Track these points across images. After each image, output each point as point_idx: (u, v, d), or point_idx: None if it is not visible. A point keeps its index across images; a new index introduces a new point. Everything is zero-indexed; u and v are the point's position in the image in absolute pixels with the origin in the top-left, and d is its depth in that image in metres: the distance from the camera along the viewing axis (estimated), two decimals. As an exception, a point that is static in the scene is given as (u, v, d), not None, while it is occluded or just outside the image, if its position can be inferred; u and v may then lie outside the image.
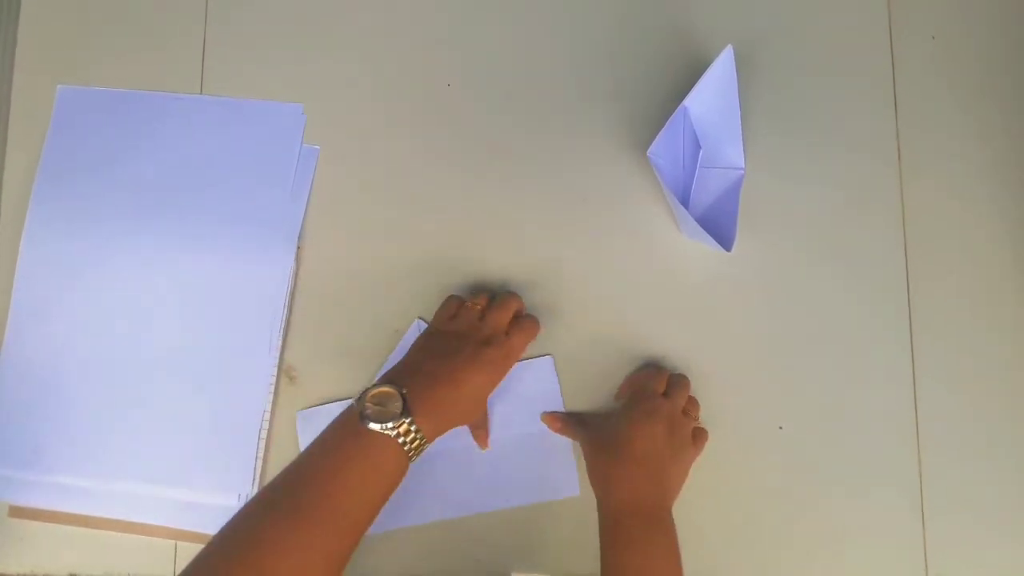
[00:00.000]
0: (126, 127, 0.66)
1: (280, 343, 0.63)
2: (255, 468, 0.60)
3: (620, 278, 0.64)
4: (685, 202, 0.63)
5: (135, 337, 0.63)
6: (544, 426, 0.61)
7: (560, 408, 0.62)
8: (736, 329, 0.63)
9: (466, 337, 0.55)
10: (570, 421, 0.60)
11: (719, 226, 0.61)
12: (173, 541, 0.60)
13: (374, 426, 0.48)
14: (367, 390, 0.50)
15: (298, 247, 0.64)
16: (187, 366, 0.62)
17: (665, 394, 0.58)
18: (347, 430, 0.50)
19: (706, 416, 0.62)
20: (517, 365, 0.59)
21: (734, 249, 0.60)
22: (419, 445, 0.50)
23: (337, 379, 0.62)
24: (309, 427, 0.61)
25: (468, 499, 0.60)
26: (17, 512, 0.61)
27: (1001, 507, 0.61)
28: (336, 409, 0.58)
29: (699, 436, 0.59)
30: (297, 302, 0.64)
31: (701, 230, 0.58)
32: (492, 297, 0.59)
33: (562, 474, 0.61)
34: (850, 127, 0.66)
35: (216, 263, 0.64)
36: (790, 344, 0.63)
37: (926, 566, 0.60)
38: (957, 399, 0.62)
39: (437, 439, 0.52)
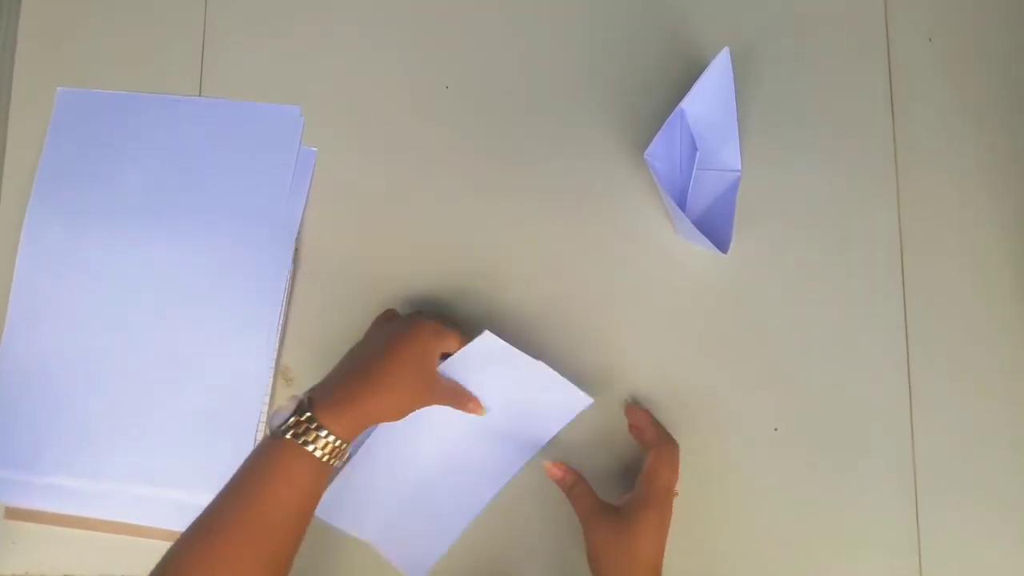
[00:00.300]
0: (125, 129, 0.66)
1: (277, 344, 0.63)
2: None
3: (616, 279, 0.64)
4: (682, 204, 0.63)
5: (132, 338, 0.63)
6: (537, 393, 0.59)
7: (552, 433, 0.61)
8: (732, 331, 0.63)
9: (378, 331, 0.57)
10: (577, 486, 0.57)
11: (715, 228, 0.62)
12: (168, 543, 0.60)
13: (278, 435, 0.49)
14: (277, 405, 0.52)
15: (296, 249, 0.64)
16: (184, 367, 0.62)
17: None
18: (258, 447, 0.51)
19: (703, 418, 0.62)
20: (512, 362, 0.57)
21: (730, 251, 0.60)
22: (331, 447, 0.50)
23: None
24: None
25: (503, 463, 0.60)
26: (13, 513, 0.61)
27: (997, 507, 0.61)
28: None
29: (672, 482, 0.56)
30: (294, 304, 0.64)
31: (698, 232, 0.59)
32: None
33: (567, 396, 0.59)
34: (847, 129, 0.66)
35: (214, 265, 0.64)
36: (786, 346, 0.63)
37: (920, 565, 0.60)
38: (953, 399, 0.62)
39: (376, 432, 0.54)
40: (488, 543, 0.60)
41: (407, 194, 0.66)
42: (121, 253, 0.64)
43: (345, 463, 0.54)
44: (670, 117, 0.60)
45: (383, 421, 0.55)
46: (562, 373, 0.57)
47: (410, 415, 0.55)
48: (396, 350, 0.54)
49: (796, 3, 0.68)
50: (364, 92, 0.67)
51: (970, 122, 0.66)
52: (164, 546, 0.59)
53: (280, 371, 0.63)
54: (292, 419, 0.50)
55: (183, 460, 0.61)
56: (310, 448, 0.49)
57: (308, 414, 0.50)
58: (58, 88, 0.67)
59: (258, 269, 0.64)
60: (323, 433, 0.50)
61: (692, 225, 0.58)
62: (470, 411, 0.59)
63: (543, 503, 0.61)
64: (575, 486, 0.57)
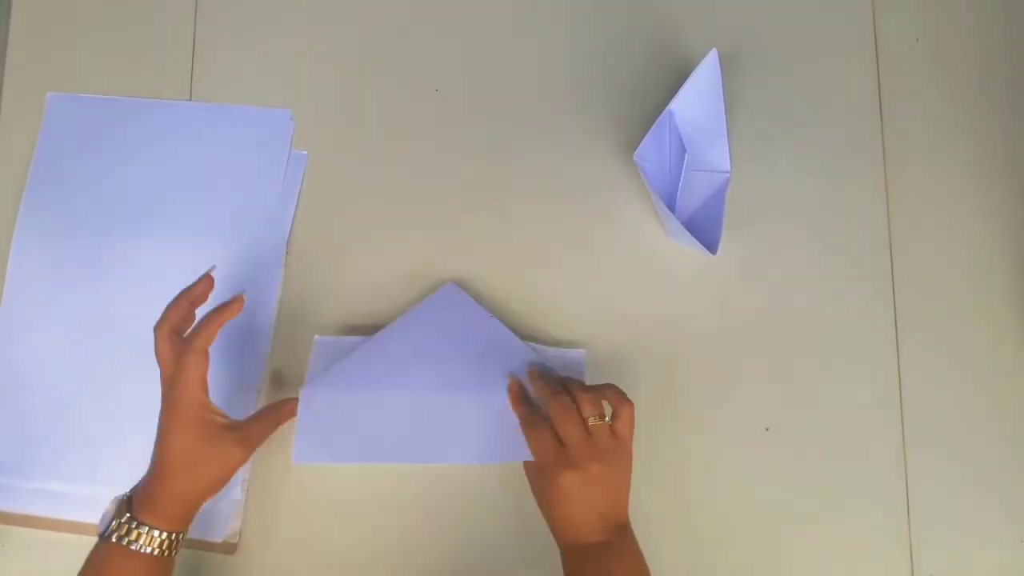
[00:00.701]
0: (115, 134, 0.66)
1: (269, 348, 0.63)
2: (243, 473, 0.60)
3: (606, 280, 0.64)
4: (671, 205, 0.63)
5: (122, 343, 0.63)
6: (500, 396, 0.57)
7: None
8: (721, 331, 0.64)
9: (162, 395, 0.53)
10: (528, 422, 0.56)
11: (705, 229, 0.62)
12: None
13: (105, 538, 0.50)
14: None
15: (287, 252, 0.65)
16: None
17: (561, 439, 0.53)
18: (92, 551, 0.51)
19: (694, 419, 0.62)
20: (495, 344, 0.58)
21: (720, 252, 0.60)
22: (163, 540, 0.50)
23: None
24: (322, 353, 0.61)
25: (427, 448, 0.57)
26: (4, 518, 0.61)
27: (987, 505, 0.61)
28: (354, 343, 0.60)
29: (621, 419, 0.54)
30: (285, 307, 0.64)
31: (687, 233, 0.59)
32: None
33: (517, 441, 0.56)
34: (836, 129, 0.67)
35: (205, 268, 0.64)
36: (775, 346, 0.63)
37: (912, 565, 0.60)
38: (943, 397, 0.63)
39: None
40: (483, 549, 0.61)
41: (398, 198, 0.66)
42: (111, 258, 0.64)
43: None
44: (659, 119, 0.60)
45: (208, 498, 0.53)
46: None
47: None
48: (168, 427, 0.52)
49: (784, 4, 0.68)
50: (355, 96, 0.67)
51: (958, 122, 0.67)
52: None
53: (272, 375, 0.63)
54: (114, 523, 0.50)
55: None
56: (136, 547, 0.49)
57: (127, 515, 0.50)
58: (48, 93, 0.67)
59: (249, 273, 0.64)
60: (144, 530, 0.50)
61: (681, 226, 0.59)
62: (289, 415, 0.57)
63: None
64: (530, 428, 0.56)
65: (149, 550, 0.50)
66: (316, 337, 0.62)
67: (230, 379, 0.62)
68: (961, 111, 0.67)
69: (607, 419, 0.54)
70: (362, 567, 0.60)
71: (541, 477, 0.54)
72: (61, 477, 0.61)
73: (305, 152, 0.66)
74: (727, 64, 0.62)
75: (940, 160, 0.66)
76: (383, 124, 0.67)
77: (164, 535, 0.50)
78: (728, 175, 0.63)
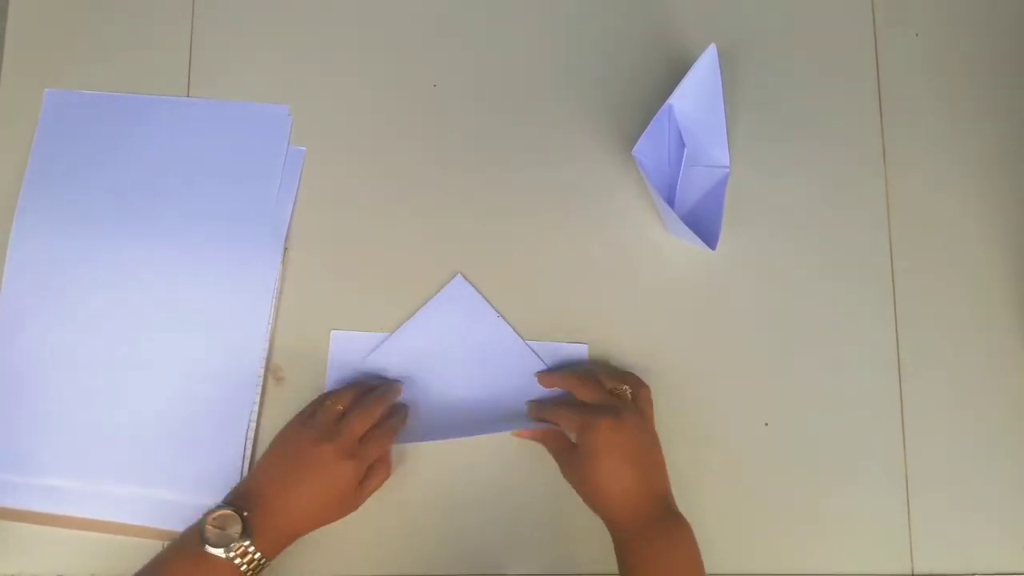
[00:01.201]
0: (113, 130, 0.66)
1: (267, 343, 0.63)
2: (242, 469, 0.60)
3: (605, 275, 0.64)
4: (670, 200, 0.63)
5: (121, 339, 0.63)
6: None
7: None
8: (721, 327, 0.63)
9: (316, 445, 0.54)
10: (545, 436, 0.59)
11: (704, 224, 0.62)
12: (161, 542, 0.60)
13: (213, 550, 0.50)
14: (209, 512, 0.52)
15: (285, 248, 0.64)
16: (174, 367, 0.62)
17: (588, 409, 0.56)
18: (186, 552, 0.51)
19: (693, 414, 0.62)
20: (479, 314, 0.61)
21: (719, 247, 0.60)
22: (257, 565, 0.51)
23: (325, 380, 0.62)
24: (340, 348, 0.62)
25: (467, 388, 0.61)
26: (3, 514, 0.61)
27: (986, 498, 0.61)
28: (370, 339, 0.62)
29: (643, 400, 0.58)
30: (284, 303, 0.64)
31: (686, 228, 0.59)
32: (363, 394, 0.58)
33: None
34: (835, 124, 0.66)
35: (203, 264, 0.64)
36: (775, 341, 0.63)
37: (912, 557, 0.60)
38: (942, 392, 0.63)
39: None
40: (482, 540, 0.61)
41: (396, 193, 0.66)
42: (109, 254, 0.64)
43: None
44: (658, 114, 0.60)
45: (302, 536, 0.55)
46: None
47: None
48: (336, 490, 0.54)
49: (783, -1, 0.68)
50: (353, 91, 0.67)
51: (959, 116, 0.67)
52: (154, 545, 0.60)
53: (271, 370, 0.63)
54: (240, 548, 0.50)
55: (175, 459, 0.61)
56: (242, 568, 0.51)
57: (250, 541, 0.51)
58: (46, 90, 0.67)
59: (247, 269, 0.64)
60: (256, 554, 0.51)
61: (681, 221, 0.58)
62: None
63: (537, 501, 0.61)
64: (547, 438, 0.59)
65: (244, 569, 0.51)
66: (333, 332, 0.63)
67: (228, 374, 0.62)
68: (961, 107, 0.67)
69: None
70: (368, 557, 0.60)
71: (583, 452, 0.54)
72: (60, 474, 0.61)
73: (303, 148, 0.66)
74: (726, 59, 0.61)
75: (940, 155, 0.66)
76: (381, 120, 0.67)
77: (264, 561, 0.52)
78: (727, 170, 0.63)
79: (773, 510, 0.61)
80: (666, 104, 0.61)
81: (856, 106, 0.67)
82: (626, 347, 0.63)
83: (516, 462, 0.61)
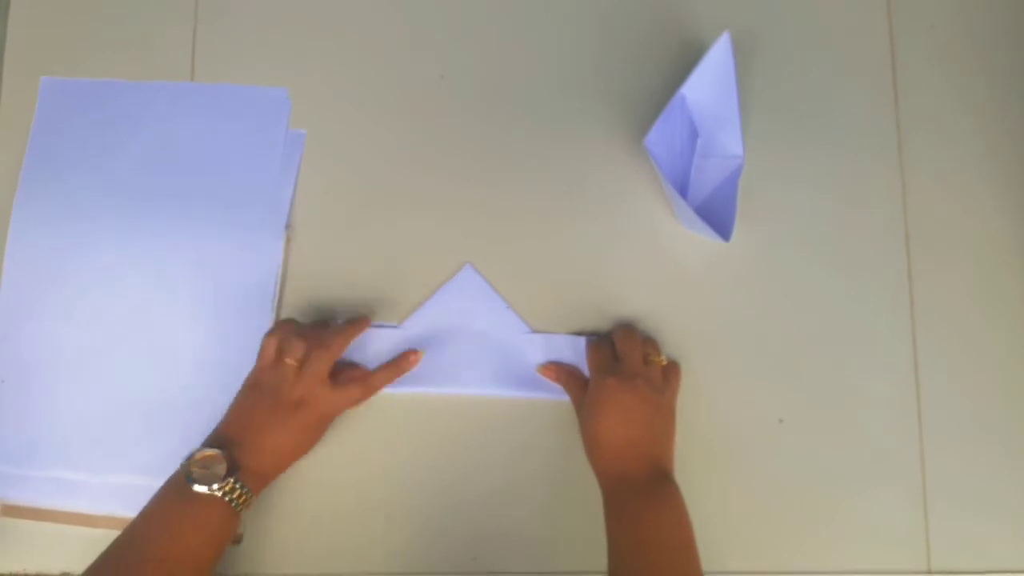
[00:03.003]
0: (111, 116, 0.66)
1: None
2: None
3: (617, 268, 0.63)
4: (683, 192, 0.62)
5: (126, 329, 0.62)
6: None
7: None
8: (735, 320, 0.63)
9: (278, 397, 0.55)
10: (567, 375, 0.60)
11: (717, 216, 0.61)
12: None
13: (200, 488, 0.51)
14: (193, 454, 0.52)
15: (287, 235, 0.63)
16: (178, 357, 0.62)
17: (617, 356, 0.57)
18: (174, 494, 0.52)
19: (707, 409, 0.61)
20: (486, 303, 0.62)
21: (733, 239, 0.59)
22: (246, 499, 0.52)
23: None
24: None
25: (477, 379, 0.61)
26: (11, 511, 0.60)
27: (1003, 497, 0.61)
28: (377, 327, 0.61)
29: (671, 372, 0.59)
30: (287, 289, 0.63)
31: (699, 220, 0.58)
32: (323, 328, 0.59)
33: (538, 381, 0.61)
34: (850, 115, 0.65)
35: (204, 251, 0.63)
36: (790, 335, 0.62)
37: (928, 557, 0.60)
38: (959, 389, 0.62)
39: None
40: (483, 536, 0.60)
41: (400, 180, 0.65)
42: (110, 242, 0.63)
43: None
44: (670, 103, 0.59)
45: (287, 469, 0.57)
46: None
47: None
48: (305, 438, 0.56)
49: (797, -13, 0.67)
50: (355, 76, 0.66)
51: (975, 109, 0.66)
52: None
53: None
54: (226, 483, 0.51)
55: (181, 451, 0.60)
56: (232, 504, 0.51)
57: (236, 475, 0.52)
58: (42, 78, 0.66)
59: (249, 254, 0.63)
60: (245, 490, 0.52)
61: (694, 213, 0.58)
62: (410, 364, 0.60)
63: (539, 497, 0.60)
64: (568, 379, 0.59)
65: (239, 509, 0.52)
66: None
67: (232, 363, 0.61)
68: (977, 97, 0.66)
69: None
70: (371, 544, 0.59)
71: (589, 401, 0.56)
72: (67, 467, 0.60)
73: (303, 130, 0.65)
74: (740, 49, 0.60)
75: (957, 146, 0.65)
76: (385, 106, 0.66)
77: (251, 495, 0.52)
78: (741, 161, 0.62)
79: (788, 507, 0.60)
80: (679, 93, 0.60)
81: (871, 99, 0.66)
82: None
83: (514, 461, 0.60)
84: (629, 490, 0.53)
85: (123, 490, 0.60)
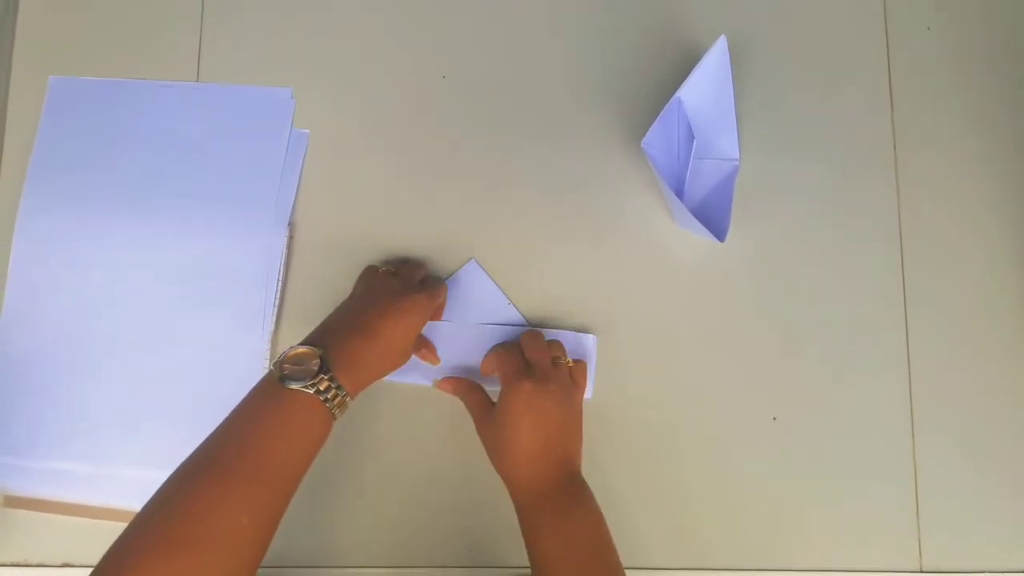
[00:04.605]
0: (117, 115, 0.66)
1: (272, 327, 0.63)
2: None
3: (613, 268, 0.64)
4: (679, 193, 0.62)
5: (127, 323, 0.63)
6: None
7: None
8: (729, 320, 0.63)
9: (380, 291, 0.56)
10: (465, 386, 0.60)
11: (713, 217, 0.61)
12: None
13: (293, 385, 0.48)
14: (285, 352, 0.50)
15: (289, 234, 0.64)
16: (181, 351, 0.62)
17: (527, 362, 0.57)
18: (267, 392, 0.50)
19: (701, 408, 0.62)
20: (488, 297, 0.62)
21: (728, 240, 0.60)
22: (341, 400, 0.50)
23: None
24: None
25: (476, 371, 0.61)
26: (12, 502, 0.61)
27: (995, 496, 0.61)
28: None
29: (577, 372, 0.59)
30: (289, 286, 0.64)
31: (695, 220, 0.58)
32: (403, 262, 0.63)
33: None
34: (845, 118, 0.66)
35: (207, 248, 0.64)
36: (784, 334, 0.63)
37: (920, 554, 0.60)
38: (952, 390, 0.62)
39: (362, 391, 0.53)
40: (481, 531, 0.60)
41: (403, 180, 0.65)
42: (115, 239, 0.64)
43: None
44: (667, 106, 0.60)
45: (376, 380, 0.55)
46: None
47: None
48: (407, 322, 0.55)
49: (794, -8, 0.68)
50: (361, 77, 0.67)
51: (969, 110, 0.66)
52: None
53: (275, 357, 0.62)
54: (318, 378, 0.49)
55: (181, 443, 0.60)
56: (329, 406, 0.49)
57: (331, 373, 0.49)
58: (50, 77, 0.67)
59: (252, 252, 0.64)
60: (341, 391, 0.50)
61: (690, 214, 0.58)
62: (422, 357, 0.61)
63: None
64: (468, 392, 0.59)
65: (334, 410, 0.49)
66: None
67: (234, 358, 0.62)
68: (972, 100, 0.66)
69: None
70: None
71: (503, 408, 0.55)
72: (69, 457, 0.61)
73: (307, 131, 0.66)
74: (736, 52, 0.61)
75: (951, 149, 0.66)
76: (387, 106, 0.66)
77: (347, 398, 0.50)
78: (737, 163, 0.63)
79: (781, 504, 0.61)
80: (675, 96, 0.61)
81: (867, 100, 0.66)
82: (634, 339, 0.63)
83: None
84: (545, 498, 0.52)
85: (125, 482, 0.61)
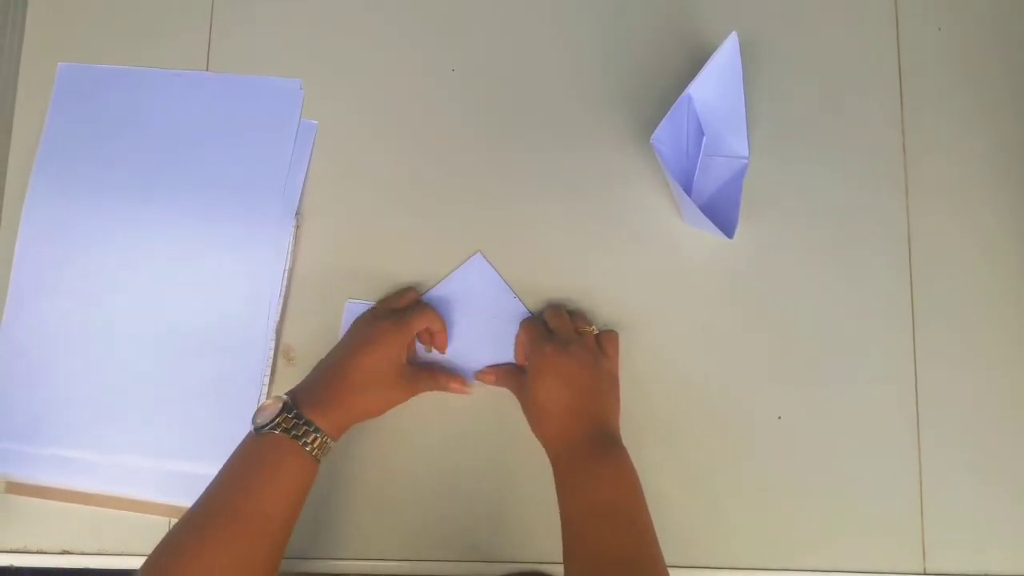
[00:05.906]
0: (126, 103, 0.66)
1: (278, 319, 0.62)
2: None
3: (621, 264, 0.64)
4: (688, 189, 0.62)
5: (134, 311, 0.63)
6: None
7: None
8: (736, 318, 0.63)
9: (352, 329, 0.59)
10: (503, 373, 0.61)
11: (721, 214, 0.61)
12: (167, 518, 0.60)
13: (262, 429, 0.51)
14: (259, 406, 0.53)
15: (296, 224, 0.64)
16: (186, 341, 0.62)
17: (551, 330, 0.59)
18: (241, 444, 0.53)
19: (707, 406, 0.61)
20: (495, 292, 0.63)
21: (736, 237, 0.59)
22: (321, 442, 0.52)
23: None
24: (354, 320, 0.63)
25: (480, 363, 0.62)
26: (15, 488, 0.61)
27: (1000, 498, 0.61)
28: None
29: (606, 340, 0.60)
30: (295, 277, 0.64)
31: (704, 217, 0.58)
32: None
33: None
34: (855, 117, 0.66)
35: (214, 236, 0.64)
36: (790, 333, 0.63)
37: (924, 556, 0.60)
38: (959, 386, 0.62)
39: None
40: (485, 527, 0.60)
41: (412, 170, 0.65)
42: (121, 227, 0.64)
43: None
44: (677, 102, 0.60)
45: (366, 418, 0.57)
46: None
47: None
48: (382, 352, 0.56)
49: (805, -9, 0.68)
50: (370, 69, 0.67)
51: (979, 110, 0.66)
52: (162, 522, 0.60)
53: (282, 351, 0.62)
54: (281, 416, 0.51)
55: (184, 433, 0.61)
56: (300, 442, 0.51)
57: (296, 411, 0.52)
58: (59, 64, 0.67)
59: (259, 242, 0.64)
60: (311, 428, 0.52)
61: (698, 210, 0.58)
62: (453, 391, 0.60)
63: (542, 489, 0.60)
64: (507, 377, 0.60)
65: (309, 448, 0.51)
66: (348, 302, 0.63)
67: (239, 348, 0.62)
68: (982, 101, 0.66)
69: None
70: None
71: (529, 375, 0.56)
72: (72, 445, 0.61)
73: (315, 122, 0.66)
74: (746, 50, 0.61)
75: (960, 150, 0.66)
76: (396, 99, 0.66)
77: (325, 438, 0.52)
78: (746, 160, 0.63)
79: (785, 505, 0.60)
80: (685, 92, 0.60)
81: (877, 99, 0.66)
82: (641, 335, 0.62)
83: (514, 449, 0.60)
84: (575, 453, 0.53)
85: (127, 470, 0.61)
